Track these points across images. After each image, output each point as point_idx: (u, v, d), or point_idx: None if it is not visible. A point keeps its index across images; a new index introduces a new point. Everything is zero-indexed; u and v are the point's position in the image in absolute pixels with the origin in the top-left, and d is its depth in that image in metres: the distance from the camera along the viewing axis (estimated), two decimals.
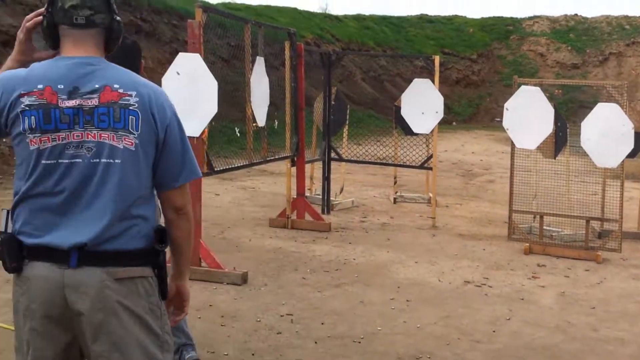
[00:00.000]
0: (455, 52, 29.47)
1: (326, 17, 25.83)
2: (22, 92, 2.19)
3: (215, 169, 6.12)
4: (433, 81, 8.79)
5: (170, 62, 18.08)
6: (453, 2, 71.37)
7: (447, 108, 25.64)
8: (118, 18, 2.30)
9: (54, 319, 2.21)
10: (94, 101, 2.20)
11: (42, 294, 2.19)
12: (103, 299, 2.20)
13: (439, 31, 30.44)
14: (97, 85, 2.21)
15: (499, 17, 32.41)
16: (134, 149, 2.23)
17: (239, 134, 6.65)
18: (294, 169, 8.25)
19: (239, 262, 6.51)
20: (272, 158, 7.44)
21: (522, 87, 7.56)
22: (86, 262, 2.19)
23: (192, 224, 2.42)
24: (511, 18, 32.15)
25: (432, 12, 39.62)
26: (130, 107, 2.22)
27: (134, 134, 2.22)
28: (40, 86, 2.19)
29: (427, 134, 9.50)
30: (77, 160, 2.20)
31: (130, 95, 2.23)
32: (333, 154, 9.42)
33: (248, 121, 6.76)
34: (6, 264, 2.25)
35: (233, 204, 9.74)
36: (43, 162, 2.19)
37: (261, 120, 6.96)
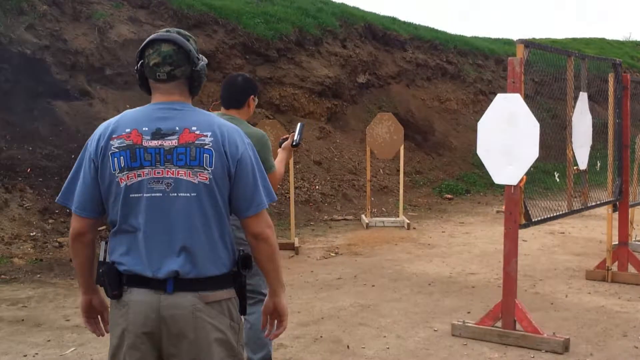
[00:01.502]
0: None
1: (638, 44, 23.73)
2: (112, 136, 2.51)
3: (533, 220, 5.55)
4: None
5: (473, 102, 18.05)
6: None
7: None
8: (198, 67, 2.57)
9: (148, 335, 2.46)
10: (173, 142, 2.49)
11: (141, 314, 2.46)
12: (194, 320, 2.47)
13: None
14: (177, 128, 2.50)
15: None
16: (208, 182, 2.49)
17: (558, 179, 5.97)
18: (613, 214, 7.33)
19: (557, 324, 5.82)
20: (593, 204, 6.65)
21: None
22: (180, 288, 2.46)
23: (273, 247, 2.60)
24: None
25: None
26: (205, 146, 2.49)
27: (208, 170, 2.49)
28: (127, 130, 2.51)
29: None
30: (158, 194, 2.47)
31: (206, 136, 2.50)
32: None
33: (569, 164, 6.09)
34: (108, 292, 2.53)
35: (542, 251, 9.00)
36: (131, 196, 2.48)
37: (583, 162, 6.25)
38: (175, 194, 2.47)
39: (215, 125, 2.55)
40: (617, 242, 7.46)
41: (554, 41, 22.22)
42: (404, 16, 24.88)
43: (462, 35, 18.61)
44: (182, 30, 2.63)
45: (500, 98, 5.23)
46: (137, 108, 2.58)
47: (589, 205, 6.54)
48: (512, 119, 5.14)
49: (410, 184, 13.56)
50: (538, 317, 5.73)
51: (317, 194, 12.00)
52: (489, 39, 20.04)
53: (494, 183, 15.22)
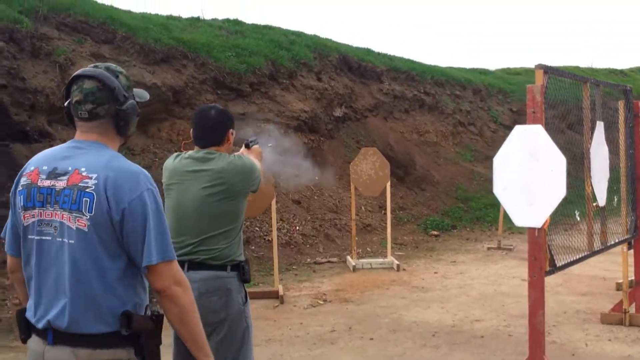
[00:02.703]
0: None
1: (610, 72, 23.62)
2: (24, 173, 2.45)
3: (557, 265, 4.93)
4: None
5: (453, 134, 17.52)
6: None
7: None
8: (125, 106, 2.43)
9: None
10: (63, 183, 2.33)
11: None
12: None
13: None
14: (70, 168, 2.35)
15: None
16: (86, 230, 2.28)
17: (579, 218, 5.38)
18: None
19: None
20: (612, 243, 6.06)
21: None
22: (60, 341, 2.29)
23: (183, 307, 2.36)
24: None
25: None
26: (87, 190, 2.29)
27: (86, 216, 2.28)
28: (32, 168, 2.43)
29: None
30: (47, 237, 2.33)
31: (90, 178, 2.31)
32: None
33: (588, 201, 5.51)
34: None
35: (547, 292, 8.27)
36: (29, 237, 2.38)
37: (602, 198, 5.67)
38: (60, 239, 2.32)
39: (105, 167, 2.34)
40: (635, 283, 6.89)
41: (528, 70, 21.99)
42: (378, 47, 24.49)
43: (438, 66, 18.21)
44: (112, 66, 2.51)
45: (519, 130, 4.62)
46: (56, 146, 2.50)
47: (609, 244, 5.95)
48: (534, 153, 4.53)
49: (395, 221, 12.93)
50: None
51: (297, 235, 11.30)
52: (464, 69, 19.68)
53: (480, 218, 14.58)
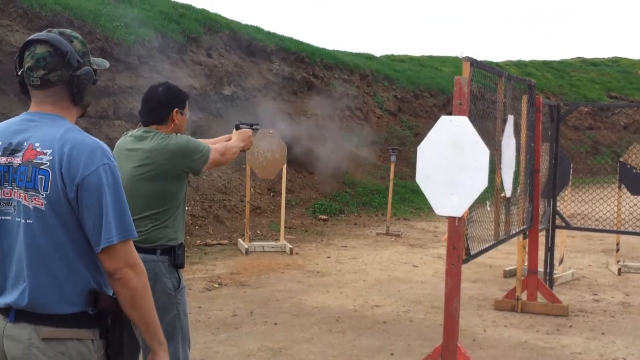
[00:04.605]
0: (623, 97, 27.32)
1: (497, 64, 24.52)
2: None
3: (472, 254, 5.03)
4: None
5: (340, 118, 17.48)
6: (615, 43, 68.20)
7: (617, 155, 23.65)
8: (79, 72, 2.30)
9: None
10: (18, 159, 2.22)
11: None
12: (29, 355, 2.20)
13: (604, 74, 28.41)
14: (25, 144, 2.24)
15: None
16: (43, 209, 2.19)
17: (489, 208, 5.50)
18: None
19: None
20: (514, 233, 6.27)
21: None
22: (22, 319, 2.21)
23: (134, 291, 2.26)
24: None
25: (591, 54, 37.54)
26: (42, 167, 2.20)
27: (42, 194, 2.19)
28: None
29: None
30: (7, 217, 2.23)
31: (45, 154, 2.21)
32: (558, 221, 8.09)
33: (496, 192, 5.65)
34: None
35: (438, 278, 8.59)
36: None
37: (508, 189, 5.83)
38: (19, 219, 2.22)
39: (60, 141, 2.21)
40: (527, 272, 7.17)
41: (412, 58, 22.44)
42: (267, 26, 24.22)
43: (326, 49, 18.20)
44: (66, 30, 2.38)
45: (445, 120, 4.64)
46: (9, 120, 2.37)
47: (511, 233, 6.15)
48: (458, 144, 4.57)
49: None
50: None
51: (187, 216, 11.00)
52: (351, 53, 19.80)
53: (366, 203, 14.72)
